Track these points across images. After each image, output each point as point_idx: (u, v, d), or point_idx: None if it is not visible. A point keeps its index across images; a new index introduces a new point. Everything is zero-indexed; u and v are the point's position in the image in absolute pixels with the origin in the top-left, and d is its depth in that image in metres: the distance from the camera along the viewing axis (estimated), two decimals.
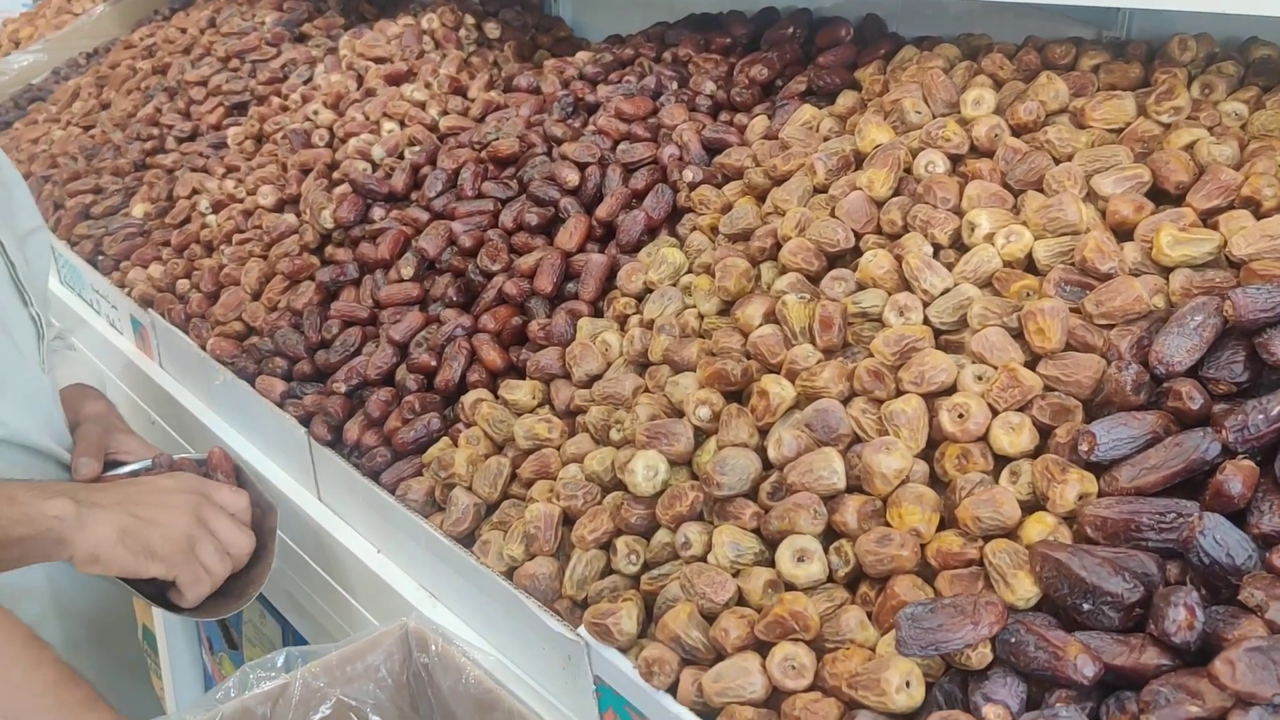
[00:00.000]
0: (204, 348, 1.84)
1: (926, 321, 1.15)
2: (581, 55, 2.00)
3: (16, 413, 1.42)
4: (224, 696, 1.18)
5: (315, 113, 2.17)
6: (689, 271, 1.41)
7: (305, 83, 2.38)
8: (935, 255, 1.21)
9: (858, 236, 1.27)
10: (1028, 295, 1.11)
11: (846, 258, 1.28)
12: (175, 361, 1.98)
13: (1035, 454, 1.01)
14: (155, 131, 2.54)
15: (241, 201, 2.11)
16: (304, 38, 2.68)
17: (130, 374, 2.12)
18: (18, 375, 1.43)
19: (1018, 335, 1.08)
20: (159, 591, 1.30)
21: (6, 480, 1.21)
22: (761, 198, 1.44)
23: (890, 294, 1.17)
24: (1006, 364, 1.04)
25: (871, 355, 1.12)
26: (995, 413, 1.03)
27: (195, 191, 2.24)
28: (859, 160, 1.38)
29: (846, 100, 1.53)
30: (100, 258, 2.26)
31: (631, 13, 2.18)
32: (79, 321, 2.34)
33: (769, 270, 1.31)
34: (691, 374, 1.24)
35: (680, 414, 1.20)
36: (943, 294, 1.15)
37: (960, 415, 1.03)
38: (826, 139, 1.48)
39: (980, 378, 1.06)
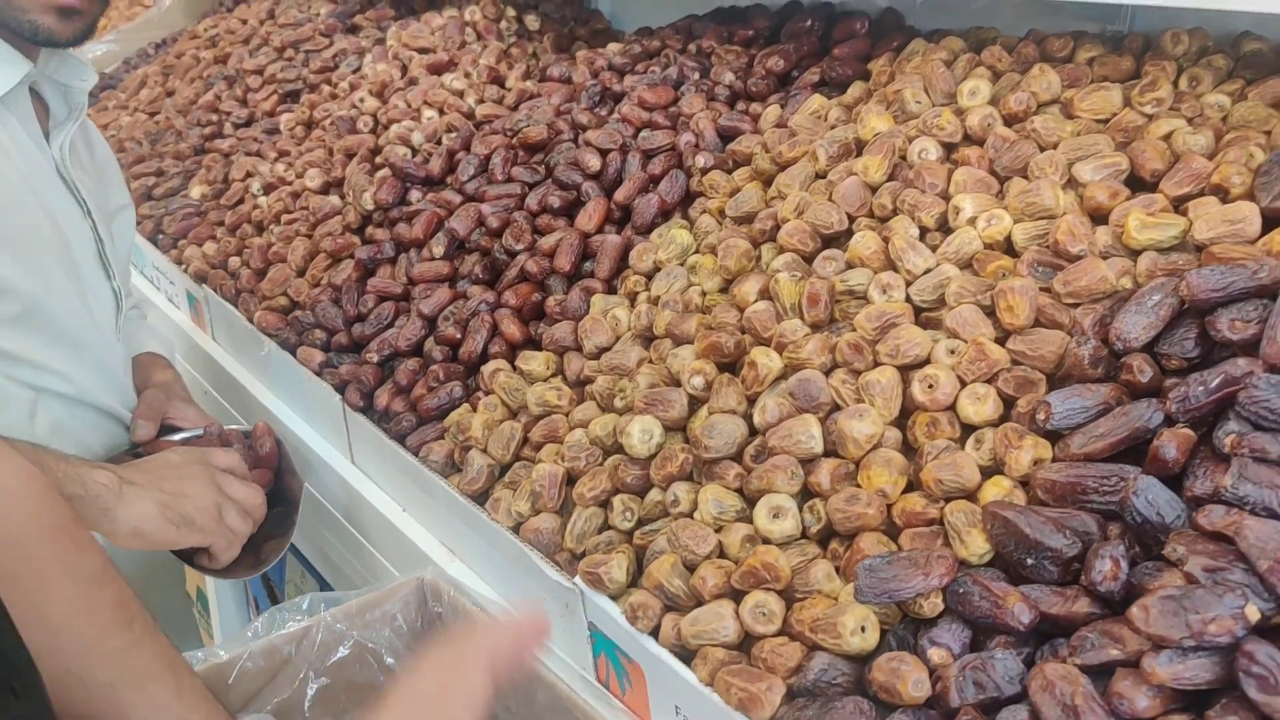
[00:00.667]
0: (251, 320, 1.96)
1: (909, 300, 1.22)
2: (612, 46, 2.08)
3: (88, 375, 1.54)
4: (254, 635, 1.30)
5: (361, 100, 2.28)
6: (696, 252, 1.49)
7: (354, 71, 2.50)
8: (921, 238, 1.27)
9: (851, 219, 1.34)
10: (1003, 275, 1.17)
11: (840, 239, 1.35)
12: (226, 334, 2.11)
13: (999, 423, 1.08)
14: (214, 117, 2.68)
15: (290, 184, 2.23)
16: (356, 29, 2.80)
17: (186, 346, 2.26)
18: (93, 341, 1.55)
19: (991, 313, 1.15)
20: (187, 557, 1.41)
21: (53, 450, 1.31)
22: (768, 183, 1.52)
23: (876, 273, 1.24)
24: (975, 338, 1.11)
25: (854, 330, 1.20)
26: (964, 384, 1.10)
27: (249, 174, 2.37)
28: (860, 148, 1.45)
29: (855, 90, 1.60)
30: (160, 236, 2.40)
31: (667, 5, 2.26)
32: (140, 298, 2.49)
33: (769, 250, 1.39)
34: (689, 346, 1.32)
35: (678, 383, 1.29)
36: (924, 273, 1.22)
37: (930, 386, 1.10)
38: (834, 127, 1.55)
39: (952, 351, 1.13)
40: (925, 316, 1.21)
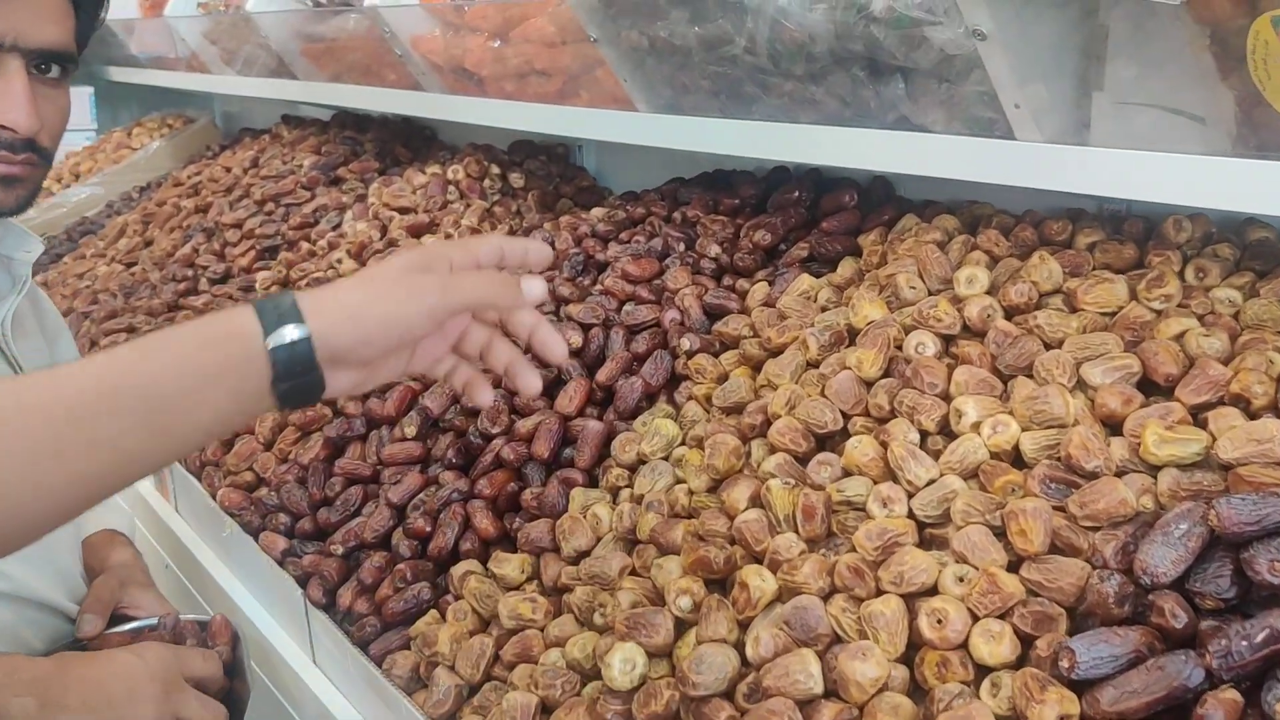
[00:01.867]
0: (214, 497, 1.86)
1: (911, 514, 1.13)
2: (596, 212, 2.04)
3: (24, 567, 1.43)
4: None
5: (339, 261, 2.23)
6: (682, 443, 1.41)
7: (334, 228, 2.45)
8: (922, 443, 1.19)
9: (846, 418, 1.26)
10: (1013, 491, 1.09)
11: (835, 438, 1.27)
12: (189, 508, 2.01)
13: (1018, 664, 0.98)
14: (190, 272, 2.62)
15: None
16: (339, 180, 2.77)
17: (148, 516, 2.15)
18: None
19: (1001, 534, 1.06)
20: None
21: None
22: (757, 368, 1.44)
23: (875, 482, 1.16)
24: (987, 567, 1.02)
25: (854, 549, 1.10)
26: (976, 619, 1.00)
27: None
28: (853, 335, 1.38)
29: (845, 270, 1.54)
30: None
31: (652, 165, 2.23)
32: None
33: (759, 447, 1.30)
34: (676, 558, 1.22)
35: (663, 599, 1.18)
36: (927, 485, 1.13)
37: (939, 621, 1.00)
38: (824, 309, 1.48)
39: (961, 579, 1.04)
40: (929, 533, 1.12)
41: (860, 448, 1.18)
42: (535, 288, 1.04)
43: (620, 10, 1.64)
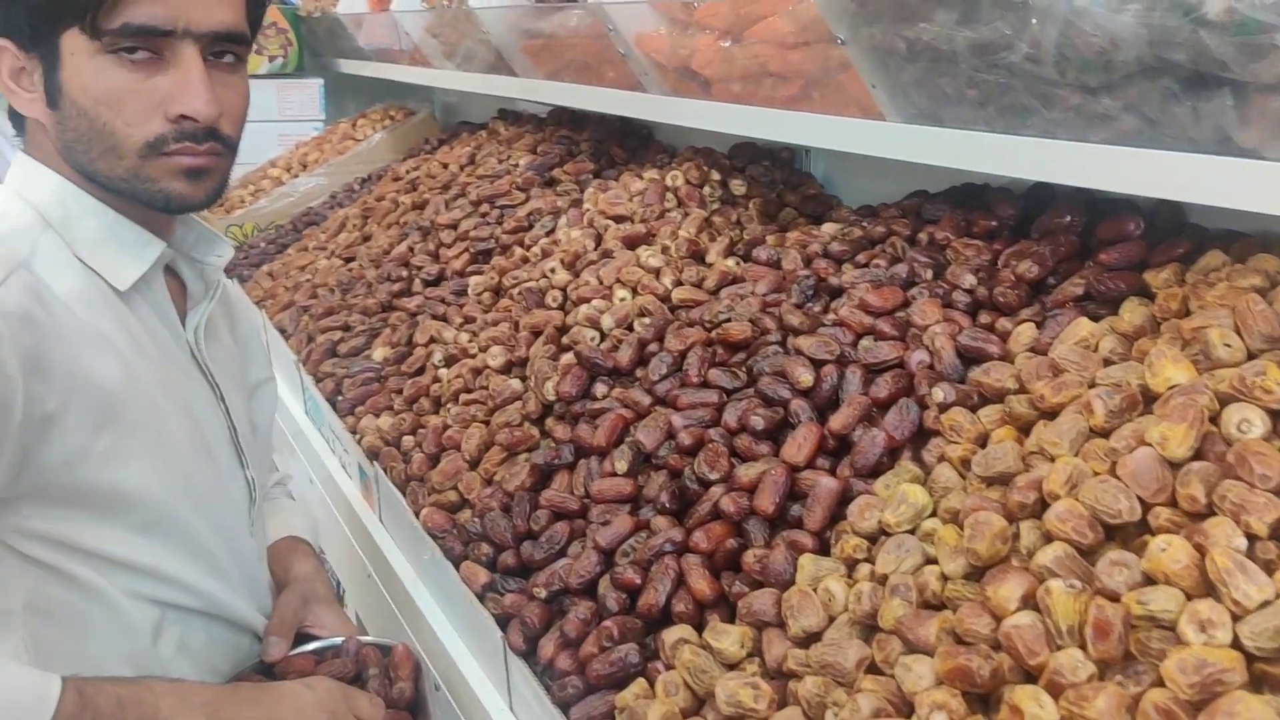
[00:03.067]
0: (418, 515, 1.80)
1: (1236, 643, 0.91)
2: (828, 228, 1.86)
3: (218, 584, 1.40)
4: None
5: (552, 270, 2.14)
6: (933, 514, 1.22)
7: (548, 234, 2.37)
8: (1250, 549, 0.96)
9: (1145, 507, 1.05)
10: None
11: (1130, 530, 1.05)
12: (393, 521, 1.96)
13: None
14: (405, 272, 2.61)
15: (473, 358, 2.09)
16: (553, 182, 2.70)
17: (353, 522, 2.13)
18: (223, 545, 1.41)
19: None
20: None
21: (159, 682, 1.16)
22: (1025, 430, 1.24)
23: (1189, 598, 0.94)
24: None
25: (1162, 683, 0.89)
26: None
27: (432, 340, 2.25)
28: (1149, 400, 1.15)
29: (1133, 315, 1.31)
30: (339, 398, 2.30)
31: (889, 175, 2.02)
32: (315, 457, 2.40)
33: (1030, 531, 1.10)
34: (927, 659, 1.04)
35: (910, 707, 1.01)
36: (1260, 607, 0.91)
37: None
38: (1108, 361, 1.26)
39: None
40: (1261, 668, 0.90)
41: (1169, 552, 0.97)
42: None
43: (874, 10, 1.46)
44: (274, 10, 4.53)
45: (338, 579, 2.35)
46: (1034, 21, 1.23)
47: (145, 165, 1.25)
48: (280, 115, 4.55)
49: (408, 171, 3.40)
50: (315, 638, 1.48)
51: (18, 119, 1.33)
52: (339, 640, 1.46)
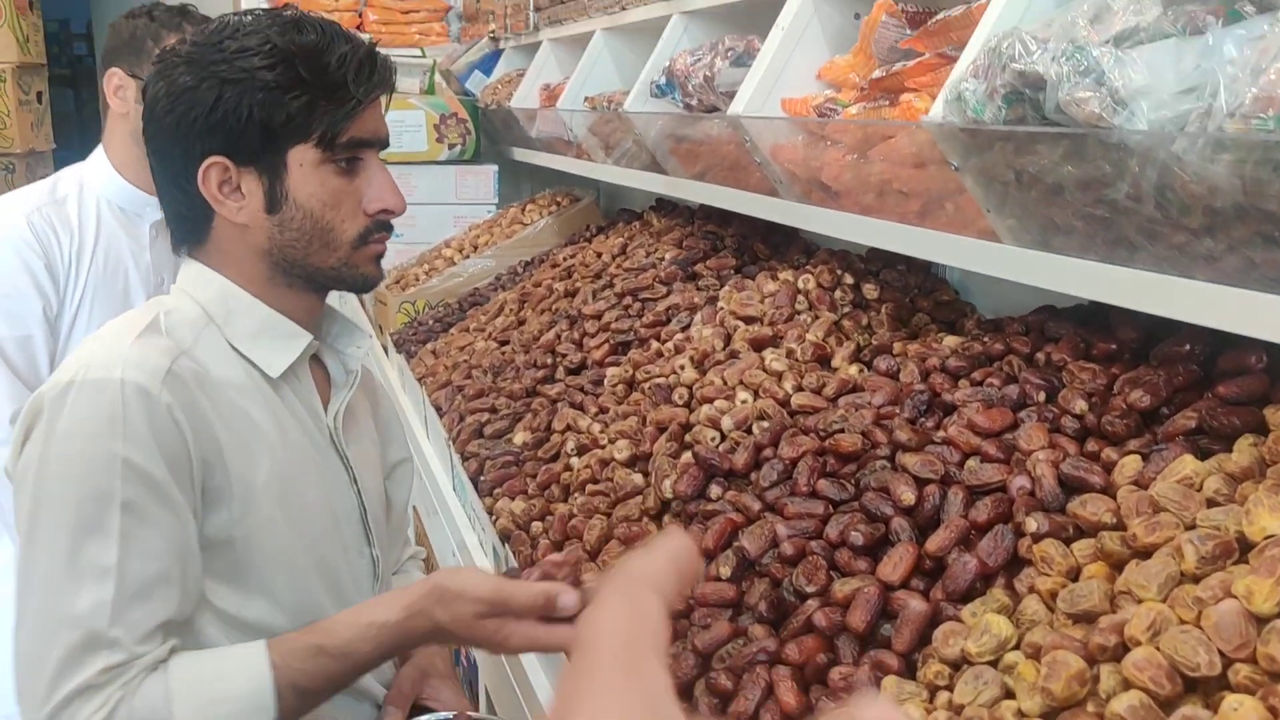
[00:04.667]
0: None
1: None
2: (949, 341, 1.88)
3: None
4: None
5: (681, 367, 2.22)
6: (1016, 646, 1.23)
7: (683, 330, 2.46)
8: None
9: (1226, 662, 1.03)
10: None
11: (1211, 684, 1.04)
12: None
13: None
14: (550, 359, 2.74)
15: (602, 449, 2.18)
16: (695, 276, 2.79)
17: None
18: None
19: None
20: None
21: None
22: (1118, 567, 1.23)
23: None
24: None
25: None
26: None
27: (569, 428, 2.37)
28: (1244, 548, 1.13)
29: (1242, 454, 1.28)
30: (481, 479, 2.44)
31: (1019, 287, 2.02)
32: (457, 532, 2.54)
33: (1110, 675, 1.10)
34: None
35: None
36: None
37: None
38: (1212, 502, 1.24)
39: None
40: None
41: (1240, 712, 0.96)
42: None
43: (984, 141, 1.50)
44: (455, 101, 4.84)
45: (473, 657, 2.47)
46: (1134, 162, 1.24)
47: (353, 255, 1.51)
48: (457, 198, 4.85)
49: (565, 259, 3.57)
50: (431, 710, 1.59)
51: (185, 232, 1.54)
52: (450, 715, 1.57)
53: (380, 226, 1.52)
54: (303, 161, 1.45)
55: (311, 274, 1.51)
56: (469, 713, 1.58)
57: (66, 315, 2.44)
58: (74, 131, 8.47)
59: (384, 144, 1.54)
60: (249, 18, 1.47)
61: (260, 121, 1.42)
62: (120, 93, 2.47)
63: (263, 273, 1.51)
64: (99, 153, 2.57)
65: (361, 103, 1.47)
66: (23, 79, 4.28)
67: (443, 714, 1.58)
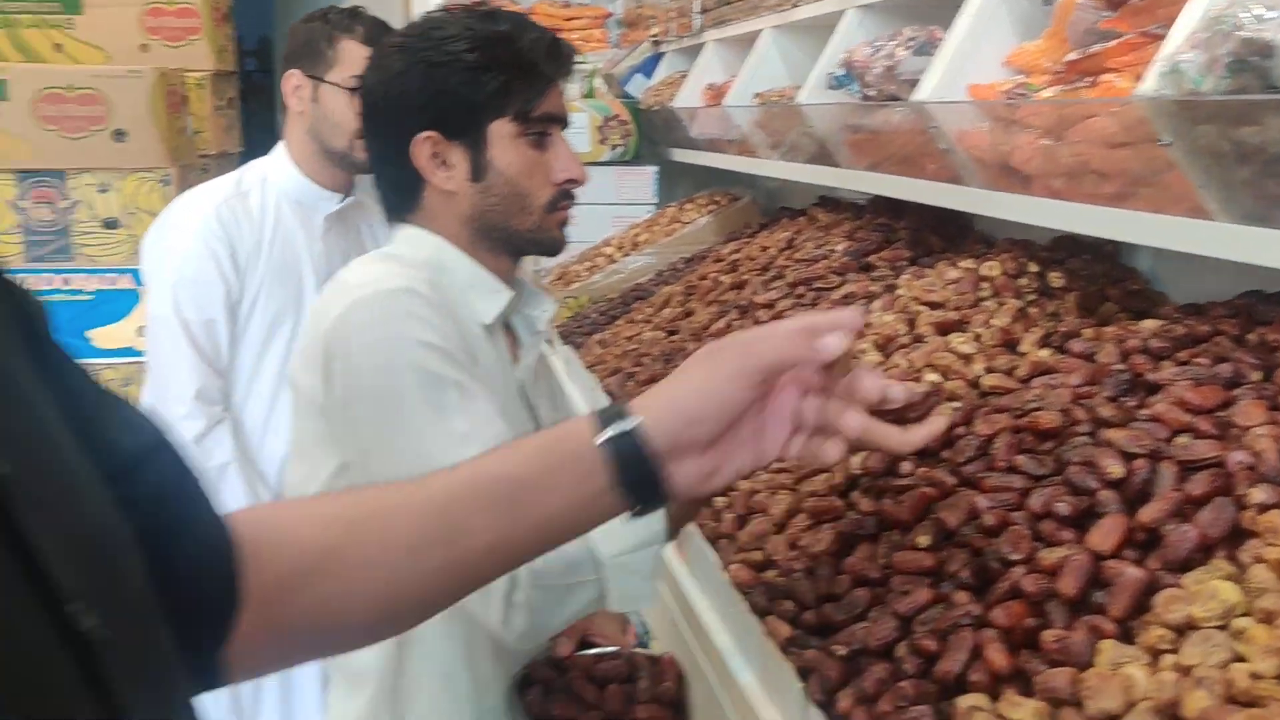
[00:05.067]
0: (725, 568, 1.95)
1: None
2: (1147, 324, 1.86)
3: None
4: None
5: (862, 351, 2.25)
6: (1244, 614, 1.22)
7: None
8: None
9: None
10: None
11: None
12: (702, 574, 2.12)
13: None
14: None
15: None
16: (869, 268, 2.81)
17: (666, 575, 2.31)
18: None
19: None
20: None
21: None
22: None
23: None
24: None
25: None
26: None
27: None
28: None
29: None
30: None
31: (1222, 273, 1.98)
32: None
33: None
34: None
35: None
36: None
37: None
38: None
39: None
40: None
41: None
42: (831, 342, 1.17)
43: (1202, 113, 1.49)
44: (617, 104, 4.97)
45: (644, 623, 2.54)
46: None
47: (545, 219, 1.70)
48: (617, 198, 4.97)
49: (729, 254, 3.63)
50: (595, 645, 1.78)
51: (399, 202, 1.74)
52: (615, 649, 1.72)
53: (565, 195, 1.72)
54: (502, 134, 1.65)
55: (510, 236, 1.71)
56: (634, 649, 1.69)
57: (246, 301, 2.64)
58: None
59: (566, 123, 1.73)
60: (449, 14, 1.70)
61: (464, 99, 1.62)
62: (298, 92, 2.66)
63: (467, 236, 1.70)
64: (280, 148, 2.76)
65: (552, 80, 1.67)
66: (217, 86, 4.57)
67: (609, 648, 1.70)
